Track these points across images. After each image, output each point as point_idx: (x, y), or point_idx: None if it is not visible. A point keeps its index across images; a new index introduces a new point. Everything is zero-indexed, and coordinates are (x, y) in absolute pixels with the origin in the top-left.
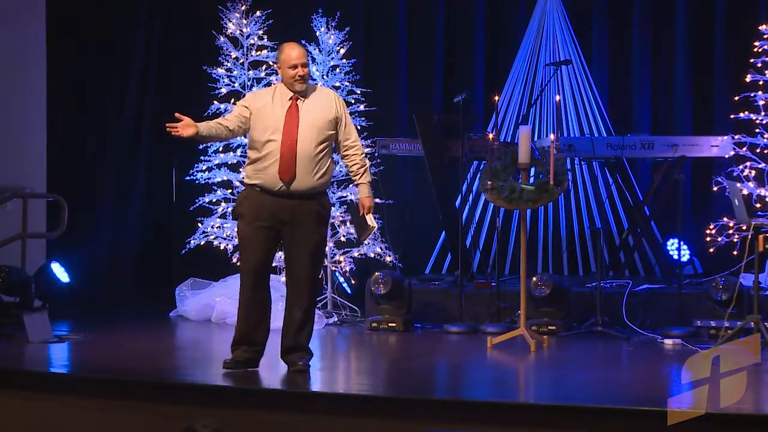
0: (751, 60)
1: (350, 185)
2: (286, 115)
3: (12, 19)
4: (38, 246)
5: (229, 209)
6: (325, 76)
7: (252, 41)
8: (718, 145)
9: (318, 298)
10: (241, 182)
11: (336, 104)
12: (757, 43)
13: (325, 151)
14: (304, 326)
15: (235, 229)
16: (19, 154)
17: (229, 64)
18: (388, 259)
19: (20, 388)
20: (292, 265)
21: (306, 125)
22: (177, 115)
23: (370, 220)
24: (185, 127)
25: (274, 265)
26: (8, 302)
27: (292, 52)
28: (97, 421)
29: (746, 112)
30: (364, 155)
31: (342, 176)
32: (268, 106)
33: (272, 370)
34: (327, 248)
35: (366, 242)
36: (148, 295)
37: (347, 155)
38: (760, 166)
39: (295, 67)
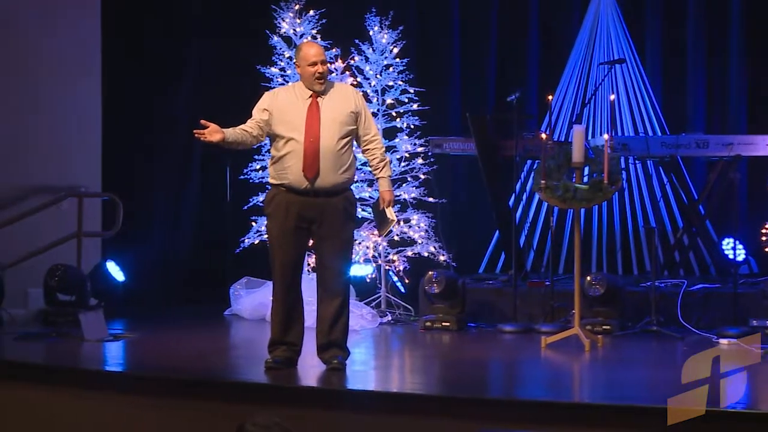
0: None
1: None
2: (307, 113)
3: (68, 17)
4: (93, 245)
5: None
6: (378, 75)
7: (305, 40)
8: None
9: (349, 294)
10: (268, 182)
11: (355, 99)
12: None
13: (347, 147)
14: (337, 322)
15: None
16: (74, 153)
17: (282, 64)
18: (441, 258)
19: (76, 386)
20: (323, 262)
21: (327, 122)
22: (203, 121)
23: (390, 213)
24: (212, 132)
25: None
26: (64, 301)
27: (310, 49)
28: (150, 419)
29: None
30: (384, 149)
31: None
32: (289, 104)
33: (321, 368)
34: (381, 248)
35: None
36: (202, 294)
37: (368, 149)
38: None
39: (314, 64)
